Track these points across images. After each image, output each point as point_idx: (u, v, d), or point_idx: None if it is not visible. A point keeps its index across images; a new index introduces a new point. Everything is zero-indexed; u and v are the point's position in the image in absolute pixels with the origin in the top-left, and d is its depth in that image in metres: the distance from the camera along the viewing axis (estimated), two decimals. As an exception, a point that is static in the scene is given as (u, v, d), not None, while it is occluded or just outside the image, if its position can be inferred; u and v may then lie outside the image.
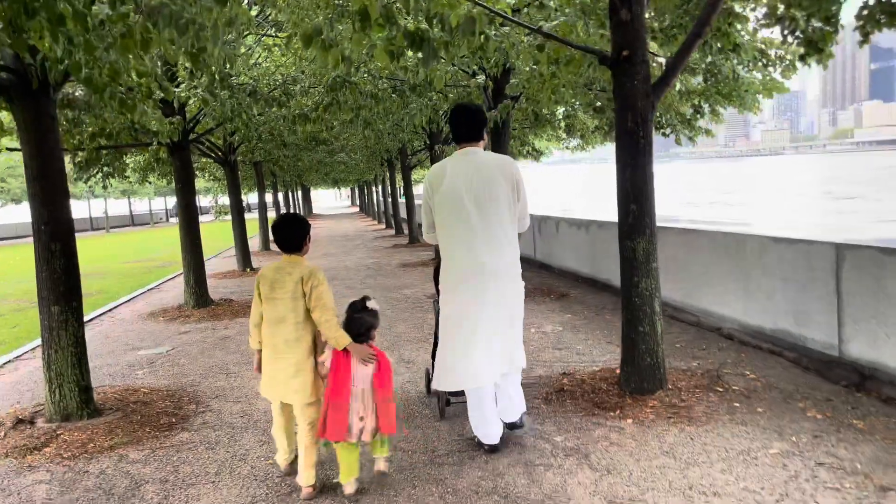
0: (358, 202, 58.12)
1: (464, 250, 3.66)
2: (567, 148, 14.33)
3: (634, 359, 4.76)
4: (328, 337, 3.33)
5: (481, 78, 8.42)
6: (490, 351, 3.72)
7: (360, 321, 3.40)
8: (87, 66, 3.98)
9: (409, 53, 9.11)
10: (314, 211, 55.89)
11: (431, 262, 14.03)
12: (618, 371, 5.23)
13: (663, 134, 8.67)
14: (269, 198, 24.46)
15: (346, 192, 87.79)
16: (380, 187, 31.12)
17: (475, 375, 3.73)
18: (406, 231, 22.06)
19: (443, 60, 7.06)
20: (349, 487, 3.41)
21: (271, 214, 24.44)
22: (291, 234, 3.46)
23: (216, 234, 27.80)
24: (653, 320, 4.74)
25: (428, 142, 13.52)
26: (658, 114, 8.12)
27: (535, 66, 6.61)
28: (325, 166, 21.67)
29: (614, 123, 4.81)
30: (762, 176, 77.56)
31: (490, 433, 3.86)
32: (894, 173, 61.72)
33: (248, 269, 14.21)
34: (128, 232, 45.50)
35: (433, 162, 13.87)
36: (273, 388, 3.48)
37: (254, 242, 19.47)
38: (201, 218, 18.46)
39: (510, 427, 4.07)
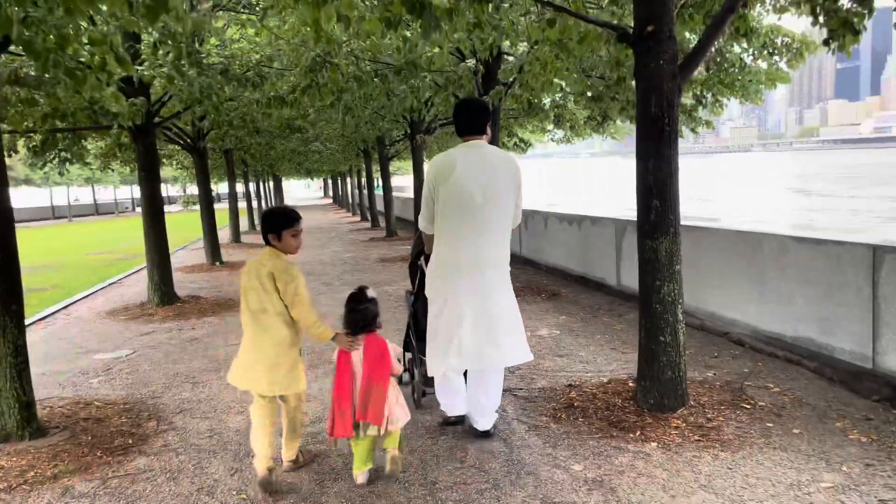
0: (331, 193, 57.27)
1: (468, 242, 3.71)
2: (552, 140, 13.84)
3: (654, 372, 4.26)
4: (310, 335, 3.38)
5: (471, 62, 7.86)
6: (493, 337, 3.78)
7: (364, 312, 3.41)
8: (28, 29, 3.36)
9: (397, 32, 8.56)
10: (286, 202, 54.85)
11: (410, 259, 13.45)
12: (631, 384, 4.74)
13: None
14: (240, 188, 23.60)
15: (317, 182, 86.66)
16: (355, 178, 30.38)
17: (479, 357, 3.80)
18: (382, 224, 21.45)
19: (444, 32, 6.52)
20: (360, 477, 3.42)
21: (242, 205, 23.63)
22: (269, 225, 3.45)
23: (184, 225, 26.88)
24: (675, 329, 4.25)
25: (409, 131, 12.92)
26: None
27: (535, 48, 6.08)
28: (298, 156, 20.91)
29: (636, 109, 4.29)
30: (734, 172, 78.13)
31: (454, 403, 4.02)
32: (865, 172, 62.57)
33: (218, 263, 13.49)
34: (91, 221, 44.07)
35: (414, 152, 13.30)
36: (247, 379, 3.42)
37: (223, 234, 18.69)
38: (169, 208, 17.35)
39: (476, 435, 4.02)
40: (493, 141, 8.66)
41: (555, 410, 4.42)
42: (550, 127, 12.00)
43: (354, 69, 7.51)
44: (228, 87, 7.80)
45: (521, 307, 7.69)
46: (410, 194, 24.79)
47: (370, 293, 3.48)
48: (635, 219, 7.52)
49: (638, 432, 3.97)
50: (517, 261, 11.40)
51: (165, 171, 31.11)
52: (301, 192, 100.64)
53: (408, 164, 39.53)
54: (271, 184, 36.31)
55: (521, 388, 4.94)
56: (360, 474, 3.42)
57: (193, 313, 8.38)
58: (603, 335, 6.42)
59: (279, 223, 3.42)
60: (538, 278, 9.87)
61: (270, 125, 12.74)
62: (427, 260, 4.10)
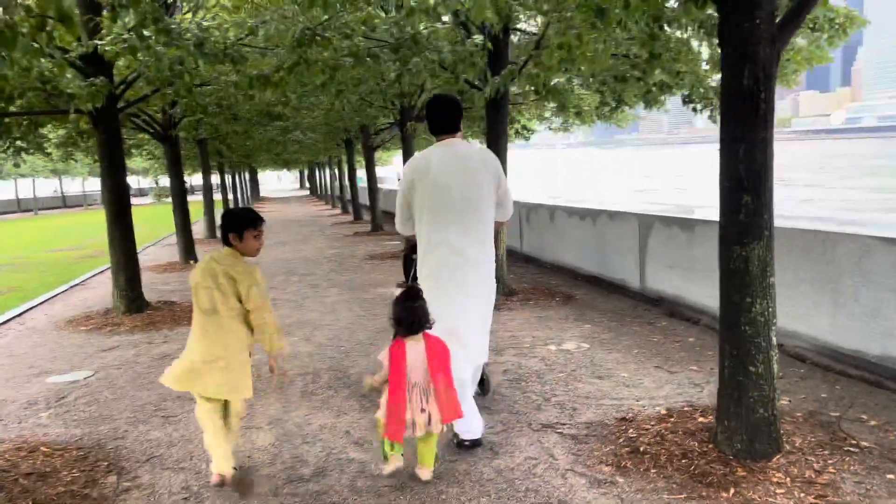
0: (308, 185, 55.97)
1: (449, 242, 3.67)
2: (550, 129, 12.99)
3: (742, 410, 3.43)
4: (264, 340, 3.31)
5: (479, 38, 6.97)
6: (469, 342, 3.74)
7: (422, 309, 3.28)
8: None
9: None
10: (261, 194, 53.41)
11: (402, 253, 12.55)
12: (701, 419, 3.92)
13: (694, 109, 7.41)
14: (214, 180, 22.46)
15: (292, 174, 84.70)
16: (335, 169, 29.27)
17: (466, 360, 3.70)
18: (366, 217, 20.52)
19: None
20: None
21: (217, 197, 22.46)
22: (224, 227, 3.37)
23: (156, 219, 25.65)
24: (768, 357, 3.41)
25: (399, 117, 11.99)
26: (681, 81, 6.77)
27: (563, 16, 5.20)
28: (277, 145, 19.83)
29: (722, 83, 3.44)
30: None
31: (472, 427, 3.76)
32: (846, 162, 62.69)
33: (192, 262, 12.46)
34: (59, 215, 42.42)
35: (404, 141, 12.37)
36: (188, 379, 3.29)
37: (197, 228, 17.59)
38: (141, 200, 16.13)
39: (458, 443, 3.80)
40: (502, 128, 7.80)
41: (616, 457, 3.57)
42: (548, 114, 11.11)
43: (350, 44, 6.59)
44: (203, 63, 6.82)
45: (536, 313, 6.85)
46: (394, 186, 23.84)
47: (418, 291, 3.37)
48: (662, 213, 6.67)
49: (731, 490, 3.14)
50: (517, 258, 10.58)
51: (135, 162, 29.81)
52: (273, 183, 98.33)
53: (389, 155, 38.42)
54: (247, 175, 35.02)
55: (564, 423, 4.09)
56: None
57: (165, 322, 7.41)
58: (640, 349, 5.60)
59: (241, 223, 3.32)
60: (545, 278, 9.03)
61: (249, 112, 11.75)
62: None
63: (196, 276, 3.31)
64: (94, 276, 11.86)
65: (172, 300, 8.68)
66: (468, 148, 3.83)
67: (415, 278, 4.16)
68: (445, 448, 3.73)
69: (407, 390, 3.19)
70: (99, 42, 5.97)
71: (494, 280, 3.92)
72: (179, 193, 12.42)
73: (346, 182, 23.69)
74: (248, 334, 3.31)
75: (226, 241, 3.34)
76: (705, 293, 6.26)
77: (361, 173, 22.30)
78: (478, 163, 3.74)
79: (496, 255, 6.51)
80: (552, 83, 6.99)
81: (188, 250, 12.51)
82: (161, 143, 12.34)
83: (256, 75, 6.39)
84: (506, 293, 7.86)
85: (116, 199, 7.79)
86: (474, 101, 10.43)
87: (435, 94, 4.62)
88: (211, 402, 3.30)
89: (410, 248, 4.38)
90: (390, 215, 20.55)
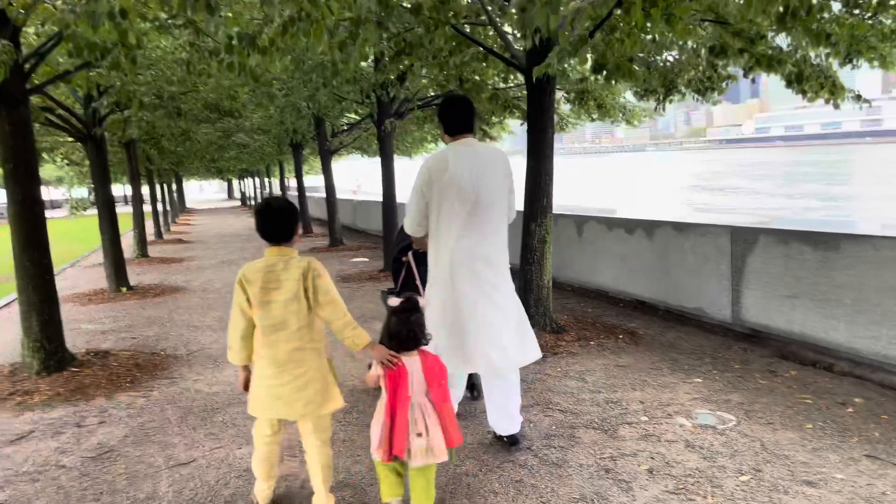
0: (239, 195, 52.76)
1: (466, 242, 3.62)
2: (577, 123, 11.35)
3: None
4: (345, 337, 2.90)
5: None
6: (504, 342, 3.63)
7: (419, 322, 2.98)
8: None
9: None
10: (187, 205, 49.86)
11: (377, 274, 10.66)
12: None
13: (803, 92, 5.82)
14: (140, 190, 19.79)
15: (214, 185, 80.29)
16: (271, 178, 26.87)
17: (487, 361, 3.61)
18: (319, 231, 18.44)
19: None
20: None
21: (148, 209, 19.78)
22: (284, 219, 2.94)
23: (72, 235, 22.69)
24: None
25: (376, 115, 10.11)
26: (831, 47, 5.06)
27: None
28: (215, 150, 17.48)
29: None
30: (658, 169, 78.87)
31: (511, 425, 3.79)
32: (773, 169, 64.25)
33: (124, 289, 10.17)
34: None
35: (381, 140, 10.49)
36: (276, 408, 2.92)
37: (125, 243, 15.08)
38: (52, 213, 13.58)
39: (511, 442, 3.80)
40: (549, 121, 6.13)
41: None
42: (588, 115, 9.42)
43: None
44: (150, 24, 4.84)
45: (610, 359, 5.33)
46: (348, 195, 21.80)
47: (421, 301, 3.05)
48: (765, 225, 5.34)
49: None
50: (515, 272, 8.86)
51: (46, 171, 26.62)
52: (195, 193, 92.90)
53: (317, 162, 35.98)
54: (174, 185, 32.04)
55: None
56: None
57: (100, 386, 5.31)
58: (807, 419, 3.96)
59: (294, 216, 2.99)
60: (580, 306, 7.35)
61: (196, 105, 9.63)
62: (415, 255, 4.16)
63: (257, 292, 2.87)
64: (-4, 309, 9.42)
65: (106, 349, 6.53)
66: (484, 148, 3.77)
67: (405, 282, 4.22)
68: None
69: (410, 407, 2.87)
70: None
71: (510, 276, 3.82)
72: (107, 205, 10.07)
73: (287, 191, 21.38)
74: (321, 343, 2.99)
75: (286, 238, 2.95)
76: (857, 333, 4.71)
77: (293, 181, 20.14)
78: (495, 163, 3.71)
79: (542, 281, 5.85)
80: (629, 55, 5.31)
81: (119, 275, 10.19)
82: (83, 145, 10.01)
83: (239, 35, 4.45)
84: (553, 330, 6.13)
85: (27, 213, 5.63)
86: (481, 93, 8.73)
87: (449, 94, 4.50)
88: (280, 423, 3.09)
89: (401, 249, 4.30)
90: (349, 230, 18.70)
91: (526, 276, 6.18)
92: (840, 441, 3.67)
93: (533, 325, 6.41)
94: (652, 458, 3.56)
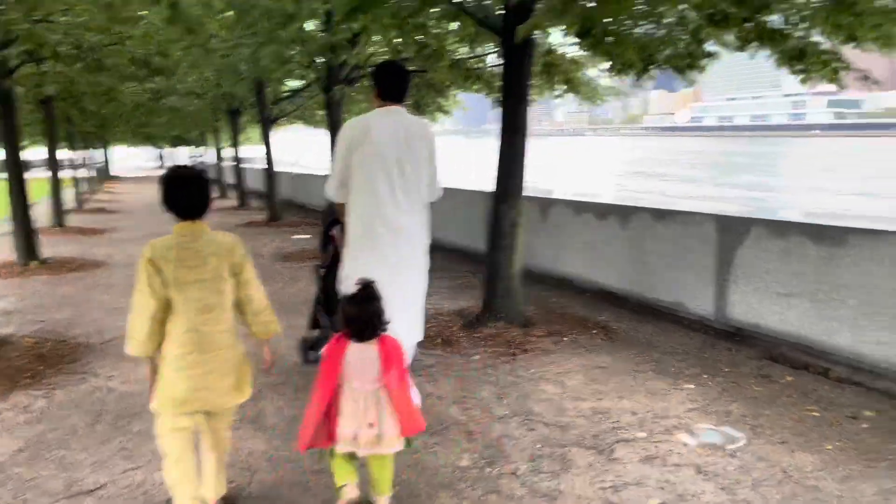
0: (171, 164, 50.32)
1: (385, 210, 3.59)
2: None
3: None
4: (261, 321, 2.77)
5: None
6: (406, 315, 3.62)
7: (377, 309, 2.67)
8: None
9: None
10: (113, 173, 47.18)
11: (319, 254, 9.88)
12: None
13: (802, 72, 5.34)
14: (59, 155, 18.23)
15: (147, 151, 76.16)
16: (205, 146, 25.45)
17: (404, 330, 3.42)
18: (255, 204, 17.42)
19: None
20: (352, 493, 2.77)
21: (66, 174, 18.24)
22: (198, 191, 2.66)
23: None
24: None
25: (326, 80, 9.28)
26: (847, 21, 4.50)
27: None
28: (144, 114, 16.16)
29: None
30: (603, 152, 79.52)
31: None
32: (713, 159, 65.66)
33: (35, 263, 9.09)
34: None
35: (329, 107, 9.70)
36: (201, 399, 2.61)
37: (39, 213, 13.76)
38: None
39: None
40: (524, 92, 5.54)
41: None
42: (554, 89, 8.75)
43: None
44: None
45: (589, 359, 5.11)
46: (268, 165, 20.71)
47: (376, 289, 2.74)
48: (755, 215, 5.03)
49: None
50: (480, 259, 8.28)
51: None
52: (124, 160, 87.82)
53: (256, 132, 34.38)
54: (101, 151, 30.04)
55: None
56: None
57: (26, 374, 4.46)
58: (823, 437, 3.52)
59: (208, 186, 2.72)
60: (545, 295, 6.81)
61: (120, 60, 8.61)
62: (342, 229, 3.89)
63: (174, 271, 2.55)
64: None
65: (4, 334, 5.61)
66: (409, 118, 3.74)
67: (334, 256, 4.05)
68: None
69: (351, 398, 2.64)
70: None
71: (428, 255, 3.82)
72: (15, 167, 8.94)
73: (229, 161, 20.19)
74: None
75: (200, 211, 2.64)
76: (863, 337, 4.31)
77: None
78: (417, 131, 3.66)
79: (512, 270, 5.53)
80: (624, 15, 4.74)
81: (29, 247, 9.09)
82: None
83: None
84: (522, 324, 5.56)
85: None
86: (440, 62, 8.04)
87: (386, 60, 4.46)
88: (207, 418, 2.70)
89: (329, 224, 4.20)
90: (290, 204, 17.67)
91: (493, 263, 5.59)
92: (866, 466, 3.22)
93: (499, 318, 5.85)
94: (661, 487, 3.03)
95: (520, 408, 3.99)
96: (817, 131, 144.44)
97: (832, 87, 6.08)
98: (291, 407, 4.00)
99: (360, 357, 2.66)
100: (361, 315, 2.67)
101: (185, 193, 2.64)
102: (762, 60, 6.21)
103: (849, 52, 5.40)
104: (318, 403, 2.65)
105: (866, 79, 5.02)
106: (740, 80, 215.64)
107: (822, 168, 47.32)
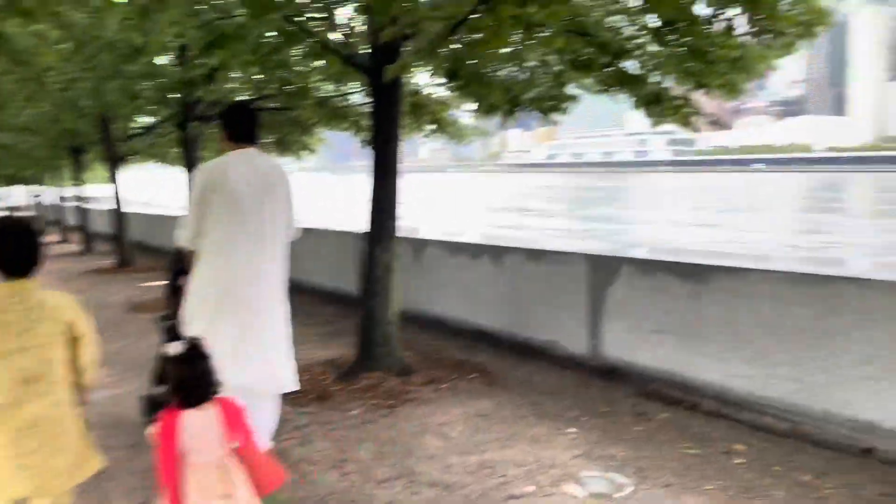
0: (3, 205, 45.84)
1: (244, 255, 3.43)
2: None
3: None
4: (86, 375, 2.56)
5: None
6: (267, 358, 3.45)
7: (207, 371, 2.45)
8: None
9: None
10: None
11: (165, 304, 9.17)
12: None
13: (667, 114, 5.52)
14: None
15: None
16: (52, 186, 23.38)
17: (267, 378, 3.43)
18: (103, 249, 16.06)
19: None
20: None
21: None
22: (26, 246, 2.43)
23: None
24: None
25: (182, 116, 8.71)
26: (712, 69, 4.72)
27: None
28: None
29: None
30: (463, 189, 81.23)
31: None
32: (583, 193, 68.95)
33: None
34: None
35: (186, 145, 9.14)
36: (23, 483, 2.31)
37: None
38: None
39: None
40: (395, 132, 5.43)
41: None
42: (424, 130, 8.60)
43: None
44: None
45: (468, 406, 4.90)
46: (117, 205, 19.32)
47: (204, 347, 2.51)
48: (628, 255, 5.23)
49: None
50: (350, 306, 8.01)
51: None
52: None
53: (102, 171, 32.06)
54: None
55: None
56: None
57: None
58: (704, 478, 3.55)
59: (38, 241, 2.51)
60: (420, 338, 6.64)
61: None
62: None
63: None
64: None
65: None
66: (265, 160, 3.67)
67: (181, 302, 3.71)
68: None
69: (195, 475, 2.37)
70: None
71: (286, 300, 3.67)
72: None
73: (67, 203, 18.58)
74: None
75: (27, 269, 2.40)
76: (720, 368, 4.48)
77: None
78: (274, 174, 3.61)
79: (388, 316, 5.43)
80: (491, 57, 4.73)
81: None
82: None
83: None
84: (401, 372, 5.34)
85: None
86: (305, 99, 7.78)
87: (236, 101, 4.31)
88: None
89: (176, 273, 4.00)
90: (142, 247, 16.44)
91: (369, 310, 5.36)
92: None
93: (377, 367, 5.60)
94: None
95: (403, 468, 3.75)
96: (660, 167, 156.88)
97: (671, 127, 6.45)
98: (143, 487, 3.53)
99: (197, 425, 2.41)
100: (191, 375, 2.46)
101: (11, 248, 2.40)
102: (608, 101, 6.50)
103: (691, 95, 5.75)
104: (171, 490, 2.38)
105: (715, 123, 5.33)
106: (590, 118, 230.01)
107: (668, 202, 51.11)
